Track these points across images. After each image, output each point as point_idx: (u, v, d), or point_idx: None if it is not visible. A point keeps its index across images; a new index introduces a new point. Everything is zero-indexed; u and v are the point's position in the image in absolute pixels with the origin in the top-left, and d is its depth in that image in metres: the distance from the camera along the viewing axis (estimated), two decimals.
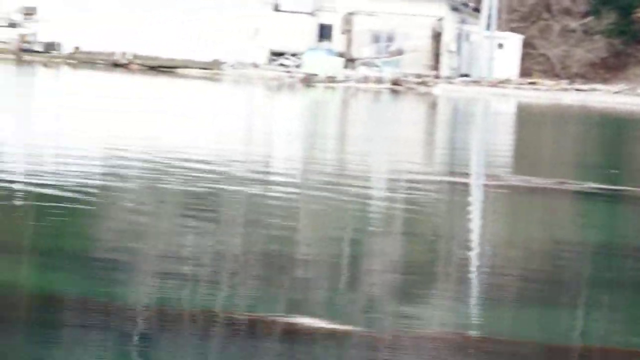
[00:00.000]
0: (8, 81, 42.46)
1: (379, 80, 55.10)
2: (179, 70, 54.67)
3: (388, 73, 56.18)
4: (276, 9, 56.45)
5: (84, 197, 12.13)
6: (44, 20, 56.87)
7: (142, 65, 54.66)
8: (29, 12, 57.30)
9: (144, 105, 35.38)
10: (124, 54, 54.93)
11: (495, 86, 55.17)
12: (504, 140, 30.77)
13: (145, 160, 17.22)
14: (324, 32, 57.88)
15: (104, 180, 14.30)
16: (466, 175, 19.13)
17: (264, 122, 33.91)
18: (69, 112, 29.36)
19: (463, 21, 61.32)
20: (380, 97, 50.83)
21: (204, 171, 16.09)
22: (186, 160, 17.37)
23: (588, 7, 68.14)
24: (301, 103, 46.53)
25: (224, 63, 55.42)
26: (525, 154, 25.69)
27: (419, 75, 55.95)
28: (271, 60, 56.92)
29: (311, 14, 58.35)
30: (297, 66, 57.00)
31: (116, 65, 54.41)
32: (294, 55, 57.12)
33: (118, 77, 50.29)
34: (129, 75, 52.01)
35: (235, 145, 23.61)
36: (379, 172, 19.29)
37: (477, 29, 62.66)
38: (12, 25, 56.41)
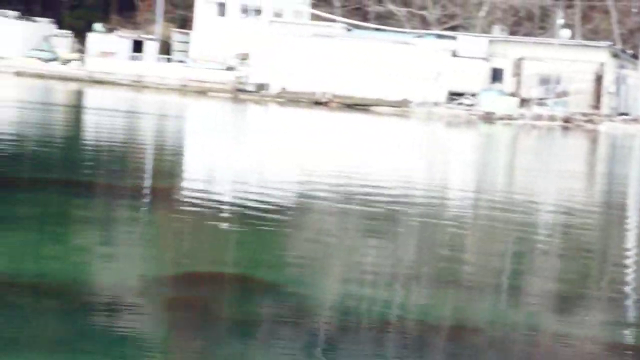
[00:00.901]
0: (227, 116, 45.60)
1: (551, 118, 55.05)
2: (372, 108, 55.79)
3: (558, 112, 55.28)
4: (454, 55, 57.11)
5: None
6: (255, 64, 59.62)
7: (340, 103, 56.19)
8: (244, 58, 60.26)
9: (344, 137, 36.60)
10: (324, 93, 56.78)
11: None
12: None
13: (360, 185, 17.92)
14: (496, 75, 58.43)
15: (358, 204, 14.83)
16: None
17: (453, 153, 34.58)
18: (278, 142, 31.41)
19: (621, 66, 59.72)
20: (552, 133, 50.66)
21: (425, 198, 16.80)
22: (387, 187, 18.02)
23: None
24: (482, 137, 46.80)
25: (411, 102, 55.92)
26: None
27: (584, 114, 55.15)
28: (450, 100, 57.44)
29: (485, 59, 58.70)
30: (473, 105, 56.42)
31: (317, 103, 56.12)
32: (471, 95, 56.51)
33: (319, 114, 52.06)
34: (328, 112, 53.36)
35: (432, 173, 24.43)
36: (561, 200, 19.16)
37: (634, 73, 60.48)
38: (230, 69, 59.68)
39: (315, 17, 62.81)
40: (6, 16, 67.39)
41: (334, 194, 16.70)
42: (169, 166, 21.51)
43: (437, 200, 17.43)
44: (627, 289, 9.75)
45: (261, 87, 58.26)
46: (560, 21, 62.21)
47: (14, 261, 8.55)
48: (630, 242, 14.29)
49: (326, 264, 10.45)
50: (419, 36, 61.00)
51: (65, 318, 6.47)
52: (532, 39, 62.53)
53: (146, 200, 15.30)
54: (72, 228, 11.39)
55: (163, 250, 10.29)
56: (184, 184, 17.60)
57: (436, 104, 55.77)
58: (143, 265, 9.12)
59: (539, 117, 54.16)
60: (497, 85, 57.61)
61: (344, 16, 63.60)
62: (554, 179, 25.08)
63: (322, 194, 16.58)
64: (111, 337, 5.82)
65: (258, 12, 61.70)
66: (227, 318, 7.14)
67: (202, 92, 57.07)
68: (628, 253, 12.81)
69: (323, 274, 9.70)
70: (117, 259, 9.38)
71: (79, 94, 52.12)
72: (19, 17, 67.77)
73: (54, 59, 64.90)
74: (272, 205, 14.41)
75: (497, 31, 62.10)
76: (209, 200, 14.63)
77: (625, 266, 11.35)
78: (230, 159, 23.75)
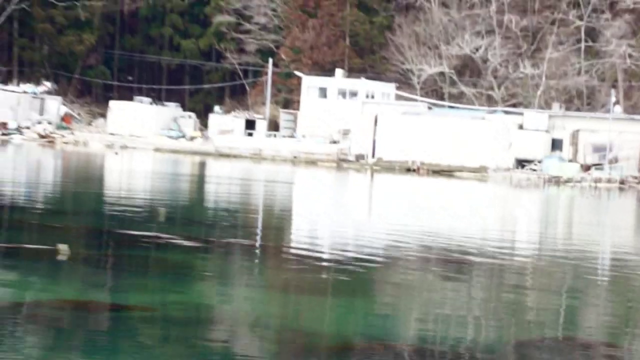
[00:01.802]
0: (333, 182, 46.78)
1: (609, 181, 55.62)
2: (455, 173, 57.23)
3: (614, 175, 56.52)
4: (520, 127, 59.46)
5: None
6: (355, 138, 61.04)
7: (428, 169, 57.36)
8: (345, 133, 61.82)
9: (434, 199, 37.27)
10: (414, 161, 57.94)
11: None
12: None
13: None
14: (556, 144, 60.12)
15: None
16: None
17: (534, 210, 34.80)
18: (378, 204, 33.19)
19: None
20: (611, 193, 50.57)
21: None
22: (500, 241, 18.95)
23: None
24: (553, 197, 45.79)
25: (488, 168, 57.14)
26: None
27: (635, 177, 56.80)
28: (517, 166, 58.42)
29: (546, 131, 60.00)
30: (539, 170, 57.59)
31: (408, 170, 57.17)
32: (537, 161, 58.20)
33: (411, 179, 52.04)
34: (419, 178, 53.79)
35: (519, 230, 24.85)
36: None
37: None
38: (333, 142, 61.77)
39: (399, 98, 64.93)
40: (141, 102, 70.83)
41: (426, 248, 17.18)
42: (290, 224, 23.06)
43: (529, 254, 18.17)
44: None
45: (360, 156, 59.66)
46: (613, 99, 61.65)
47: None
48: None
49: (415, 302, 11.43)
50: (490, 112, 62.43)
51: None
52: (586, 113, 63.12)
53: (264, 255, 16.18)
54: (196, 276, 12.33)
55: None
56: (301, 240, 18.38)
57: (508, 169, 57.22)
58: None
59: (598, 180, 55.00)
60: (557, 153, 58.87)
61: (423, 96, 65.65)
62: (622, 231, 26.36)
63: (415, 247, 17.23)
64: None
65: (353, 94, 63.38)
66: None
67: (311, 162, 58.70)
68: None
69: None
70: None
71: (205, 165, 53.71)
72: (151, 103, 71.51)
73: (182, 137, 67.57)
74: (368, 257, 14.90)
75: (556, 107, 63.26)
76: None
77: None
78: (336, 219, 24.12)
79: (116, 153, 59.34)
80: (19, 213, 19.46)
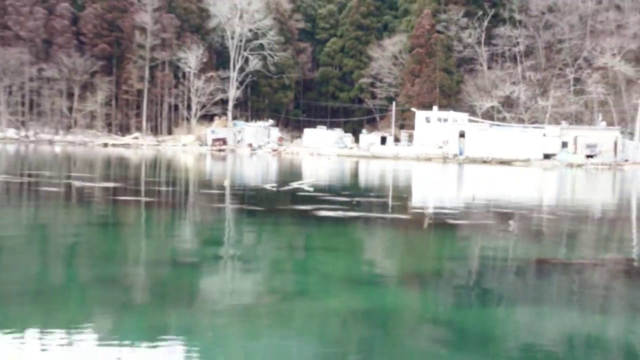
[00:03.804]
0: (442, 169, 43.65)
1: (602, 165, 52.97)
2: (512, 163, 53.46)
3: (604, 161, 54.99)
4: (544, 135, 57.96)
5: None
6: (451, 144, 59.81)
7: (495, 161, 54.17)
8: (445, 142, 59.76)
9: (499, 178, 33.53)
10: (487, 157, 55.81)
11: None
12: None
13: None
14: (564, 144, 58.03)
15: None
16: None
17: (564, 182, 31.95)
18: (468, 182, 29.46)
19: (624, 137, 58.83)
20: (604, 171, 47.43)
21: None
22: None
23: None
24: (573, 174, 41.98)
25: (529, 159, 55.64)
26: None
27: (614, 162, 54.84)
28: (544, 157, 56.13)
29: (559, 137, 57.68)
30: (557, 159, 56.16)
31: (484, 162, 54.34)
32: (554, 154, 57.08)
33: (486, 167, 47.36)
34: (490, 166, 49.27)
35: (548, 194, 22.66)
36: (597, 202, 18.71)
37: (630, 141, 59.24)
38: (439, 147, 59.89)
39: (470, 121, 63.12)
40: (321, 129, 70.96)
41: (493, 205, 16.00)
42: (415, 193, 21.50)
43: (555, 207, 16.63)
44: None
45: (455, 155, 58.77)
46: (600, 118, 61.71)
47: None
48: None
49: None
50: (525, 127, 61.06)
51: None
52: (582, 126, 61.77)
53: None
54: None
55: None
56: (416, 203, 17.44)
57: (540, 159, 56.45)
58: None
59: (595, 164, 54.40)
60: (565, 149, 58.11)
61: (483, 120, 64.67)
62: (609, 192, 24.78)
63: (489, 205, 16.01)
64: None
65: (445, 119, 61.74)
66: None
67: (427, 159, 57.09)
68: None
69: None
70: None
71: (362, 164, 48.14)
72: (327, 129, 71.53)
73: (345, 147, 67.24)
74: (459, 212, 13.73)
75: (564, 124, 61.89)
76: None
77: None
78: (442, 189, 23.39)
79: (311, 155, 59.44)
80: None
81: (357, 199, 15.71)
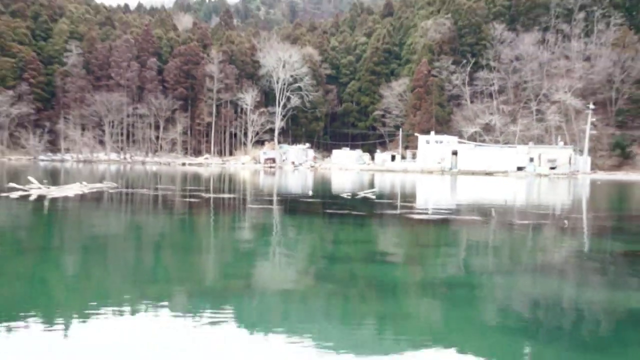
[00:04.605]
0: (440, 179, 41.23)
1: (562, 174, 52.76)
2: (493, 174, 53.06)
3: (563, 171, 53.93)
4: (517, 153, 57.53)
5: None
6: (446, 160, 59.71)
7: (482, 173, 53.52)
8: (442, 158, 58.43)
9: (483, 185, 31.28)
10: (474, 169, 54.49)
11: None
12: None
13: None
14: (531, 159, 56.95)
15: None
16: None
17: (534, 187, 30.14)
18: (458, 189, 26.99)
19: (575, 154, 58.45)
20: (565, 179, 45.74)
21: None
22: None
23: None
24: (540, 181, 40.27)
25: (507, 171, 53.90)
26: None
27: (570, 172, 54.29)
28: (517, 169, 55.62)
29: (527, 153, 56.98)
30: (527, 170, 55.82)
31: (473, 173, 54.23)
32: (523, 168, 56.40)
33: (474, 177, 46.28)
34: (477, 177, 48.06)
35: (515, 196, 20.73)
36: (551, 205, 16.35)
37: (577, 155, 59.47)
38: (438, 163, 59.49)
39: (460, 142, 61.98)
40: (345, 150, 70.20)
41: (476, 205, 15.13)
42: (414, 198, 19.27)
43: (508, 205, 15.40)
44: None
45: (450, 169, 58.42)
46: (558, 139, 62.62)
47: None
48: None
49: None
50: (502, 147, 61.01)
51: None
52: (545, 145, 61.16)
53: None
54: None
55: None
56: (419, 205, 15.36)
57: (515, 171, 56.33)
58: None
59: (556, 174, 54.56)
60: (532, 163, 58.09)
61: (469, 141, 63.23)
62: (564, 196, 22.17)
63: (473, 206, 15.14)
64: None
65: (440, 141, 60.92)
66: None
67: (429, 172, 55.93)
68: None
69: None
70: None
71: (377, 176, 45.34)
72: (349, 149, 70.82)
73: (364, 164, 66.36)
74: (450, 210, 12.80)
75: (531, 144, 61.03)
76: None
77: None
78: (438, 193, 22.27)
79: (339, 170, 57.39)
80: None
81: (412, 204, 14.18)
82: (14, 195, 14.37)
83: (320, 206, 14.02)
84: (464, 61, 70.39)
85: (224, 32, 78.99)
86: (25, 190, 15.70)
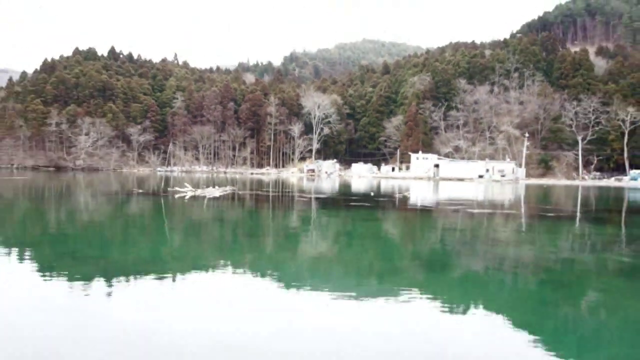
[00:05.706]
0: (426, 183, 39.28)
1: (505, 181, 52.44)
2: (465, 180, 52.93)
3: (507, 178, 54.35)
4: (485, 166, 57.66)
5: None
6: (432, 170, 59.03)
7: (455, 179, 53.37)
8: (428, 169, 58.32)
9: (454, 189, 27.91)
10: (451, 176, 54.93)
11: None
12: None
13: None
14: (487, 170, 56.96)
15: None
16: None
17: (492, 189, 28.48)
18: (440, 189, 25.08)
19: (516, 166, 58.40)
20: (507, 184, 43.50)
21: None
22: None
23: None
24: (493, 186, 37.31)
25: (474, 178, 54.61)
26: None
27: (514, 178, 54.29)
28: (479, 177, 56.09)
29: (485, 166, 57.17)
30: (484, 178, 55.95)
31: (448, 179, 52.98)
32: (482, 176, 56.32)
33: (450, 183, 41.92)
34: (452, 183, 44.33)
35: (476, 195, 19.04)
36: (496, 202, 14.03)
37: (518, 168, 58.59)
38: (426, 172, 58.62)
39: (440, 158, 61.52)
40: (361, 163, 68.96)
41: (451, 201, 13.49)
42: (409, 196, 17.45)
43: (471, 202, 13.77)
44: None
45: (434, 175, 58.56)
46: (506, 157, 62.35)
47: None
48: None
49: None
50: (468, 162, 60.62)
51: None
52: (497, 161, 60.52)
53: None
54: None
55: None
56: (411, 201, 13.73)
57: (477, 178, 56.41)
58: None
59: (505, 180, 53.42)
60: (488, 173, 57.21)
61: (447, 157, 63.53)
62: (503, 196, 20.26)
63: (450, 202, 13.69)
64: None
65: (426, 158, 61.67)
66: None
67: (419, 179, 54.34)
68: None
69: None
70: None
71: (383, 181, 41.73)
72: (365, 163, 68.61)
73: (374, 173, 62.87)
74: (437, 205, 11.47)
75: (487, 159, 61.29)
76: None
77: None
78: (423, 193, 20.27)
79: (358, 177, 56.04)
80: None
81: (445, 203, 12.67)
82: (177, 195, 13.21)
83: (371, 199, 13.70)
84: (440, 104, 72.27)
85: (277, 85, 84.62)
86: (184, 193, 14.53)
